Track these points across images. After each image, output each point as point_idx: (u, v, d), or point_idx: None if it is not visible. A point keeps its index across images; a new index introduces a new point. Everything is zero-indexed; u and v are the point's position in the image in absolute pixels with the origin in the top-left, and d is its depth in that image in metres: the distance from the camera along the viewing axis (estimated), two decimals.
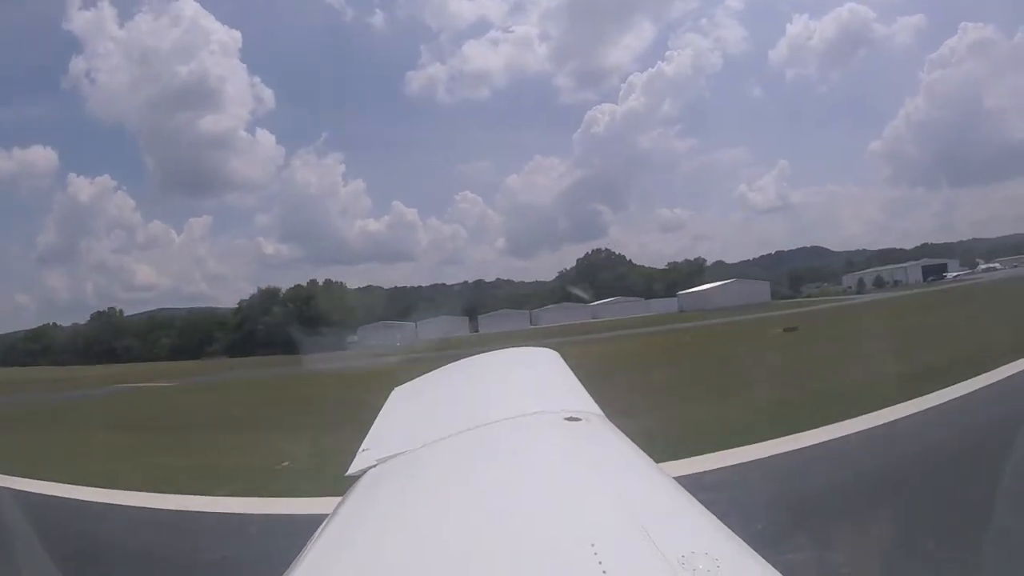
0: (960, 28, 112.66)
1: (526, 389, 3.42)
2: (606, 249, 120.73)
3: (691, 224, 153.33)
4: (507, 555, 1.54)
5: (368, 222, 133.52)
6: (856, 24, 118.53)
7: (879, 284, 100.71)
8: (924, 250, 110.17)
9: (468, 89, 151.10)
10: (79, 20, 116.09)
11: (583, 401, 2.90)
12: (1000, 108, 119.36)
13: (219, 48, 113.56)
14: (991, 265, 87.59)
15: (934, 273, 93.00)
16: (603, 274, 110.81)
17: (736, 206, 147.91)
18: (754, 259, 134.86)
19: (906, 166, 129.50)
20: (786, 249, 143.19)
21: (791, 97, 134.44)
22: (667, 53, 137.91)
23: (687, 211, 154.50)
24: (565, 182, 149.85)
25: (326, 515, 2.15)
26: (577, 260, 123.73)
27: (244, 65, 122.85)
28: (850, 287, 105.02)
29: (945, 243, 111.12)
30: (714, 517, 1.63)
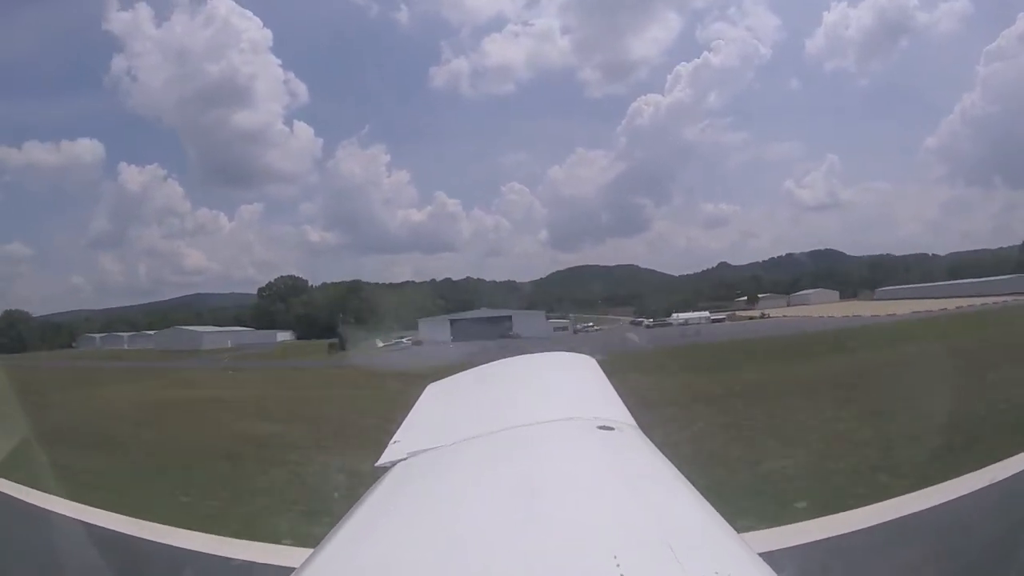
0: (1019, 17, 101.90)
1: (560, 394, 3.40)
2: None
3: (735, 220, 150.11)
4: (528, 559, 1.53)
5: (411, 212, 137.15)
6: (895, 12, 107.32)
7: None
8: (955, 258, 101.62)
9: (494, 84, 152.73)
10: (117, 21, 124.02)
11: (617, 410, 2.87)
12: None
13: (250, 46, 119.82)
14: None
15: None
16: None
17: (783, 202, 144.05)
18: (762, 262, 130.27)
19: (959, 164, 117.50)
20: (798, 251, 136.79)
21: (835, 90, 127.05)
22: (714, 43, 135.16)
23: (732, 206, 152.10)
24: (608, 175, 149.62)
25: None
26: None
27: (278, 60, 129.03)
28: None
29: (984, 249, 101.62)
30: (742, 540, 1.58)
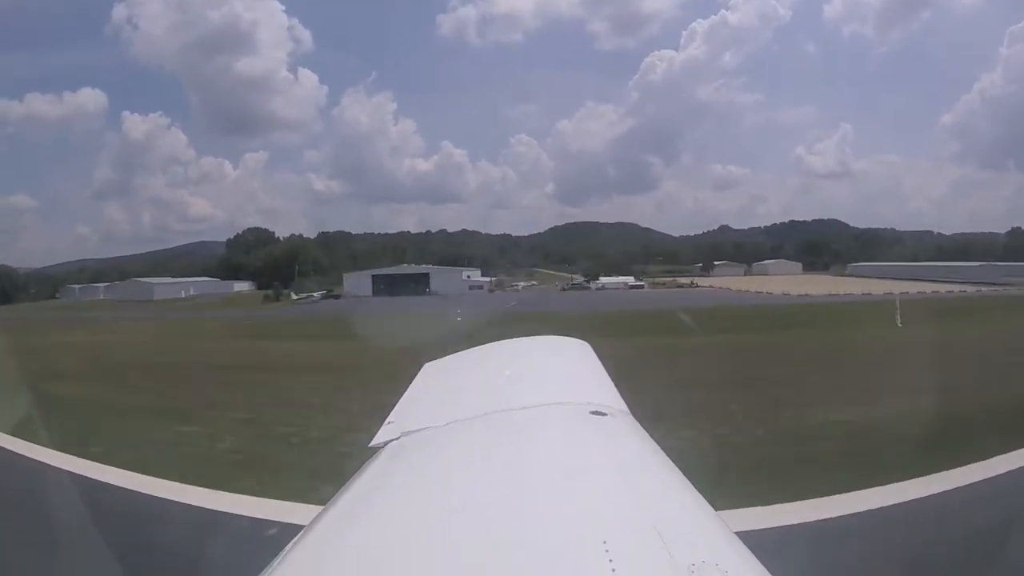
0: None
1: (554, 378, 3.43)
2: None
3: (745, 183, 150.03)
4: (516, 543, 1.56)
5: (417, 161, 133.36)
6: None
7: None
8: (962, 239, 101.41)
9: (502, 32, 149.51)
10: None
11: (610, 396, 2.89)
12: None
13: None
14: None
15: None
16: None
17: (793, 168, 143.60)
18: (764, 227, 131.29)
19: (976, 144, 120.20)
20: (802, 219, 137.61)
21: (852, 56, 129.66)
22: (732, 0, 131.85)
23: (742, 169, 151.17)
24: (617, 130, 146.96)
25: None
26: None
27: (282, 6, 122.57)
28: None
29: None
30: (728, 527, 1.64)
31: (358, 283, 75.44)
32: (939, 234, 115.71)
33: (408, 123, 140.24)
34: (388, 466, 2.37)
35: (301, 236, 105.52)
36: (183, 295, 79.14)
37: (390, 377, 4.78)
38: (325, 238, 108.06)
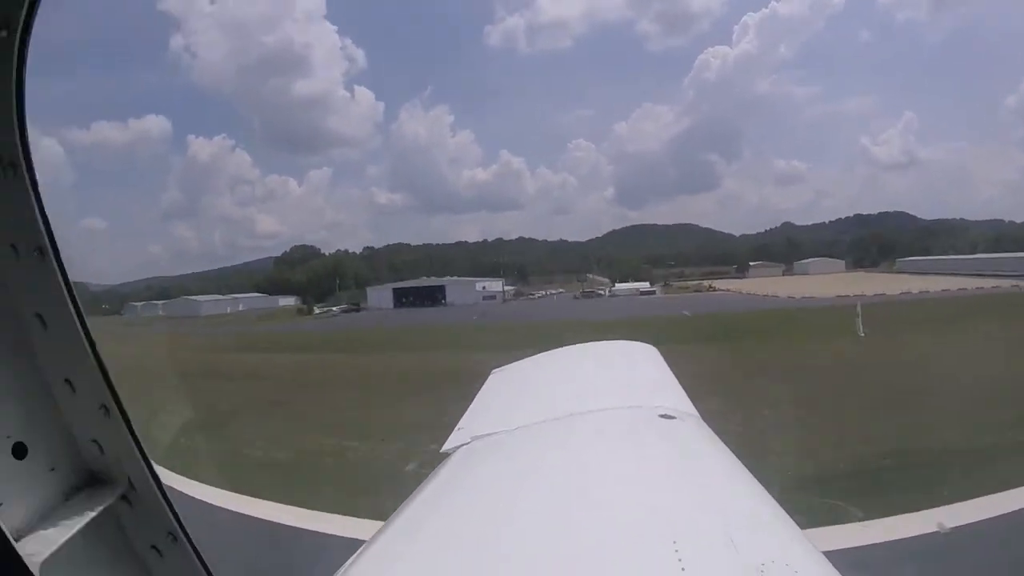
0: None
1: (622, 383, 3.43)
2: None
3: (809, 178, 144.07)
4: (588, 545, 1.59)
5: (476, 171, 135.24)
6: None
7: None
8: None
9: (551, 40, 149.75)
10: (172, 0, 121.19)
11: (679, 400, 2.88)
12: None
13: (304, 15, 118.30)
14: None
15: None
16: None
17: (859, 160, 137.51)
18: (828, 223, 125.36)
19: None
20: (868, 213, 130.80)
21: (908, 42, 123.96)
22: None
23: (804, 163, 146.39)
24: (674, 130, 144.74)
25: None
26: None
27: (334, 27, 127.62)
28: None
29: None
30: (798, 528, 1.64)
31: (381, 296, 78.39)
32: (1011, 222, 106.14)
33: (465, 134, 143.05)
34: (459, 471, 2.41)
35: (347, 252, 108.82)
36: (228, 311, 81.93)
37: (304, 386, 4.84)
38: (371, 252, 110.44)
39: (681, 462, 2.18)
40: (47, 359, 1.47)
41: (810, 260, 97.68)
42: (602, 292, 76.80)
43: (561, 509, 1.84)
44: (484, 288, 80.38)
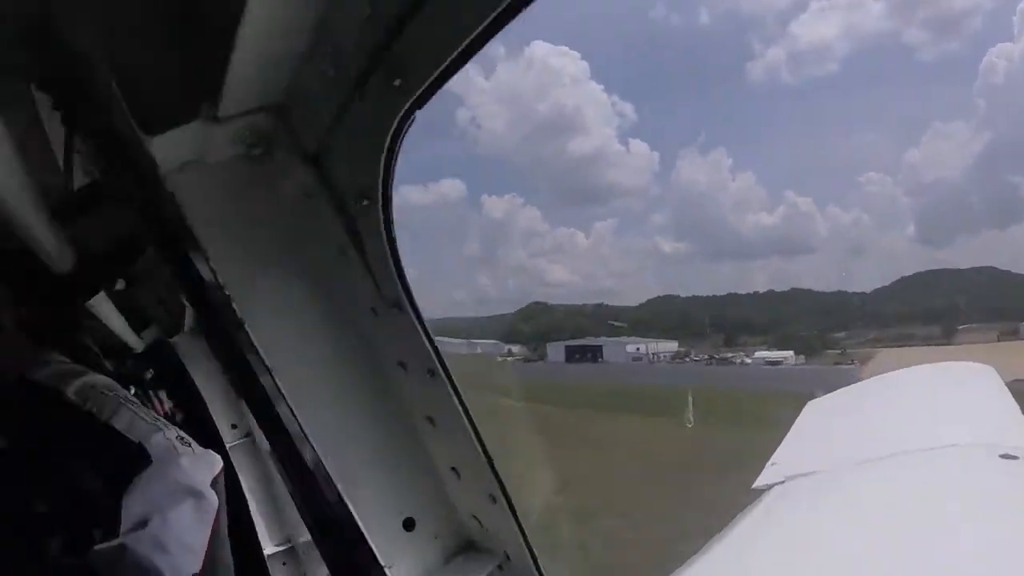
0: None
1: (954, 415, 3.08)
2: None
3: None
4: None
5: (761, 215, 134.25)
6: None
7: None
8: None
9: (814, 65, 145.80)
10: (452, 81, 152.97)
11: (1022, 435, 2.54)
12: None
13: (571, 79, 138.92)
14: None
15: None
16: None
17: None
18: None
19: None
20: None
21: None
22: None
23: None
24: (974, 147, 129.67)
25: None
26: None
27: (600, 86, 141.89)
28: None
29: None
30: None
31: (557, 351, 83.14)
32: None
33: (747, 176, 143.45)
34: (773, 510, 2.37)
35: (581, 305, 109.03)
36: (464, 352, 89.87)
37: None
38: (599, 308, 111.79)
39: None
40: (436, 449, 1.71)
41: None
42: (734, 360, 64.44)
43: (881, 561, 1.76)
44: (638, 349, 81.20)
